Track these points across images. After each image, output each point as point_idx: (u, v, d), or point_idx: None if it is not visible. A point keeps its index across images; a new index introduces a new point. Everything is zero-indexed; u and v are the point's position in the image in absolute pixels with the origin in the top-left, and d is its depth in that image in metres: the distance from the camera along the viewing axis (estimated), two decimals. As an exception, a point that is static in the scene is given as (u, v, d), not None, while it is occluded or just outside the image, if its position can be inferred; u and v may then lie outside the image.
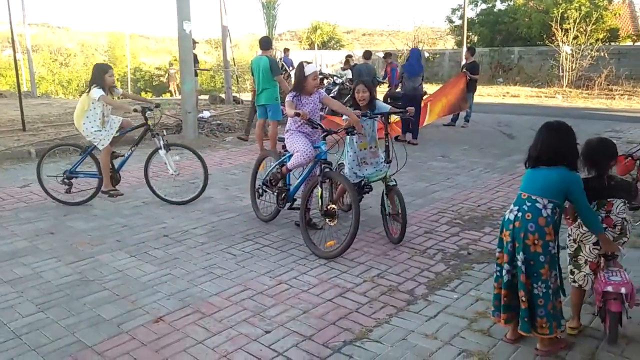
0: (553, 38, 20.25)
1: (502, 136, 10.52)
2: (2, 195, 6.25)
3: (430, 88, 18.44)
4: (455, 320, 3.31)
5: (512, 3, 27.13)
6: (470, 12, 27.19)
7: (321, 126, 4.68)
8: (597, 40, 20.41)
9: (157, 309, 3.50)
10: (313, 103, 4.86)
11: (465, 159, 8.27)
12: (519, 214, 2.84)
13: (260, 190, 5.28)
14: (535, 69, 22.66)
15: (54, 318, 3.38)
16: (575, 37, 20.20)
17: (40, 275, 4.03)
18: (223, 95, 15.59)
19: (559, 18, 20.45)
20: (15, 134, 9.75)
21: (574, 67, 20.02)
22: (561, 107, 15.49)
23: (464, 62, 12.99)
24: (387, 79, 13.13)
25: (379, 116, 4.84)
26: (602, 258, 3.02)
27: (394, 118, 6.81)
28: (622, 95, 17.76)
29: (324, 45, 35.59)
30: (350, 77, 12.23)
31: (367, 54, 12.02)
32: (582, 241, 3.07)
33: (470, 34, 27.16)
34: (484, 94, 18.81)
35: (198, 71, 12.70)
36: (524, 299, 2.82)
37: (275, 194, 5.06)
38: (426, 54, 26.72)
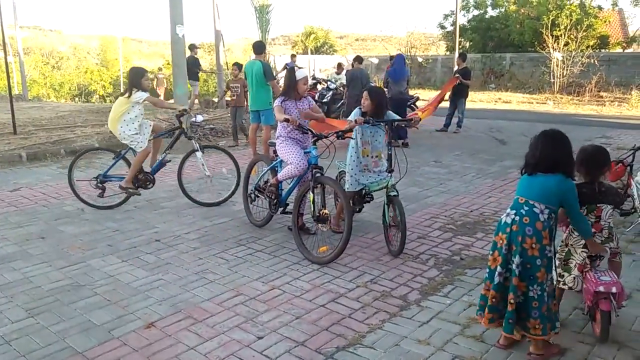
0: (544, 45, 20.39)
1: (494, 142, 10.58)
2: (-8, 199, 6.19)
3: (423, 93, 18.56)
4: (448, 326, 3.31)
5: (503, 10, 27.33)
6: (462, 19, 27.38)
7: (311, 131, 4.68)
8: (587, 47, 20.56)
9: (149, 314, 3.47)
10: (302, 108, 4.86)
11: (458, 164, 8.31)
12: (517, 218, 2.87)
13: (253, 196, 5.27)
14: (527, 75, 22.81)
15: (44, 324, 3.35)
16: (566, 44, 20.36)
17: (30, 280, 3.99)
18: (216, 100, 15.57)
19: (550, 25, 20.63)
20: (6, 137, 9.70)
21: (564, 74, 20.17)
22: (552, 113, 15.61)
23: (456, 68, 13.07)
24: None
25: (382, 124, 4.70)
26: (588, 259, 3.14)
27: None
28: (612, 101, 17.91)
29: (317, 50, 35.69)
30: (344, 82, 12.24)
31: (359, 59, 12.04)
32: (573, 245, 3.19)
33: (463, 40, 27.32)
34: (476, 100, 18.91)
35: (199, 75, 12.66)
36: (512, 301, 2.86)
37: (268, 199, 5.05)
38: (419, 59, 26.83)
